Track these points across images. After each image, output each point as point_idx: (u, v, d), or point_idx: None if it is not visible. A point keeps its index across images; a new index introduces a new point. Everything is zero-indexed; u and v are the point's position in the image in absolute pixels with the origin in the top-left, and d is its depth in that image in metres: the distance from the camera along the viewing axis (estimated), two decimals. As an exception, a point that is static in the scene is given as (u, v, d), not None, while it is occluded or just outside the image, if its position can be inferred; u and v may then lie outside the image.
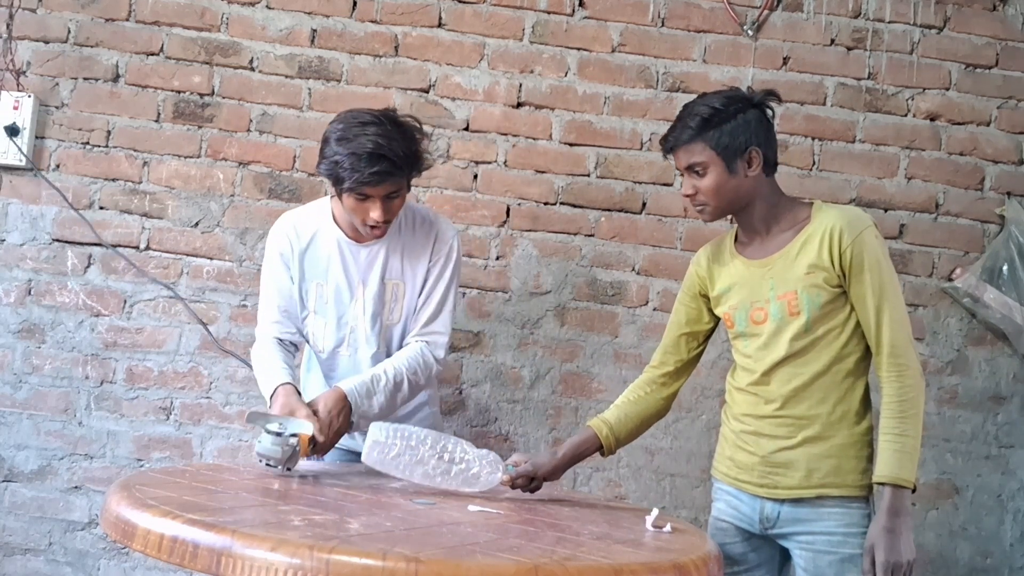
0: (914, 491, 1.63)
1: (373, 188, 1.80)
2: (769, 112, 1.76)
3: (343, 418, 1.80)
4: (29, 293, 2.50)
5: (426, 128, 2.62)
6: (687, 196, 1.76)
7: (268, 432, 1.63)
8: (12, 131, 2.47)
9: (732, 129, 1.69)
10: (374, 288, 1.95)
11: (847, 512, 1.68)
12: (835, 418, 1.69)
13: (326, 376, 2.02)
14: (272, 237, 2.00)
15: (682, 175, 1.77)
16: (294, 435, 1.65)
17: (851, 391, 1.70)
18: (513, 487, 1.73)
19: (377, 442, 1.62)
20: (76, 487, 2.48)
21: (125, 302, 2.51)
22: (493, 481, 1.64)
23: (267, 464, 1.63)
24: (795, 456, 1.69)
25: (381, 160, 1.77)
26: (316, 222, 1.98)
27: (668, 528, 1.49)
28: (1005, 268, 2.53)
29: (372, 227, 1.85)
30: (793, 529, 1.72)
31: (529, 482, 1.75)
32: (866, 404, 1.72)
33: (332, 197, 1.96)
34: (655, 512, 1.53)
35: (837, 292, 1.68)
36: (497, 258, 2.56)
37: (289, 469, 1.65)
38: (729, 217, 1.81)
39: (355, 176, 1.77)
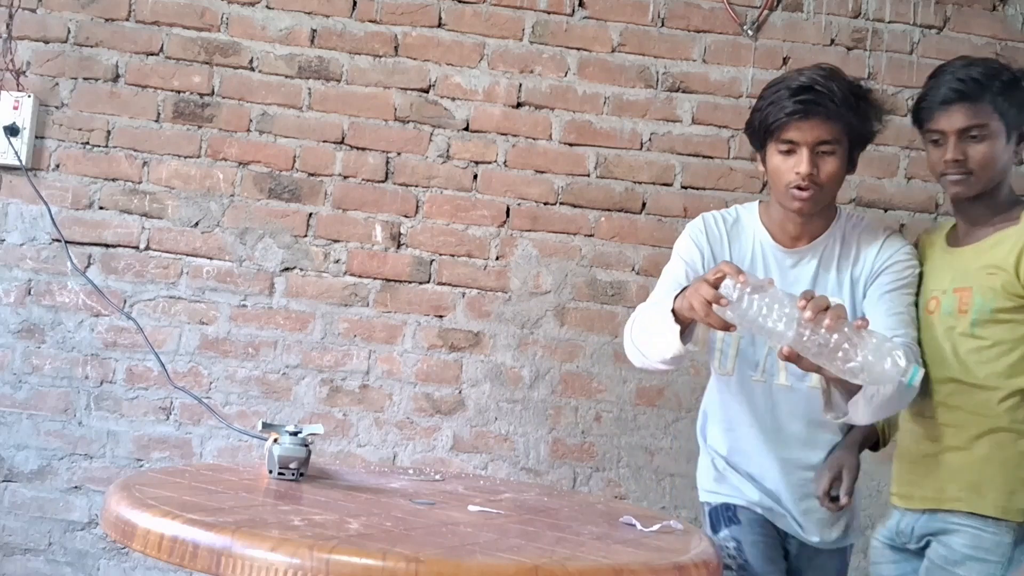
0: None
1: (800, 123, 1.58)
2: None
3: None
4: (29, 293, 2.51)
5: (425, 128, 2.64)
6: (950, 161, 1.57)
7: (288, 434, 1.62)
8: (12, 131, 2.47)
9: (1022, 103, 1.55)
10: None
11: (978, 534, 1.54)
12: (982, 431, 1.55)
13: (723, 407, 1.81)
14: (689, 226, 1.82)
15: (940, 138, 1.59)
16: (311, 435, 1.64)
17: (1014, 410, 1.55)
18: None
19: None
20: (76, 487, 2.48)
21: (125, 302, 2.51)
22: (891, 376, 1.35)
23: (280, 472, 1.61)
24: (934, 465, 1.59)
25: (810, 91, 1.58)
26: (742, 215, 1.79)
27: (656, 528, 1.48)
28: (1005, 268, 2.52)
29: (798, 190, 1.61)
30: (924, 544, 1.62)
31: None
32: None
33: (759, 203, 1.79)
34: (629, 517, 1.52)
35: (1018, 303, 1.53)
36: (497, 258, 2.56)
37: (303, 474, 1.64)
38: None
39: (779, 109, 1.59)
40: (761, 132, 1.64)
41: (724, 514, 1.78)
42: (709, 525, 1.81)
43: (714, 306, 1.39)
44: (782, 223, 1.73)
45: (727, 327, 1.41)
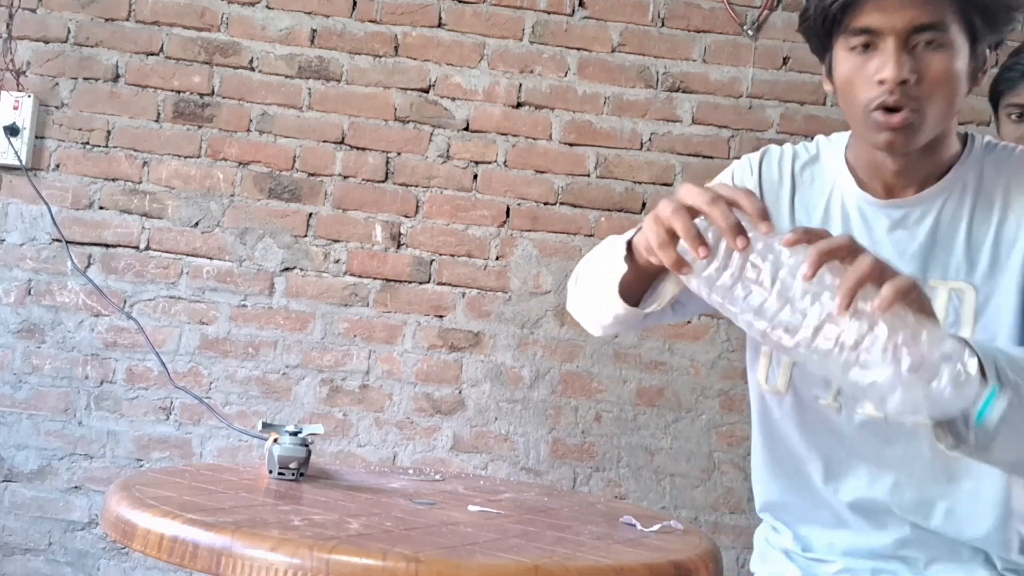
0: None
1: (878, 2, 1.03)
2: None
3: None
4: (29, 293, 2.50)
5: (425, 128, 2.64)
6: None
7: (288, 434, 1.62)
8: (12, 131, 2.47)
9: None
10: None
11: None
12: None
13: (769, 449, 1.24)
14: (742, 160, 1.29)
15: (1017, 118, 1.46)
16: (311, 435, 1.64)
17: None
18: None
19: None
20: (76, 487, 2.48)
21: (125, 302, 2.51)
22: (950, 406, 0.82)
23: (280, 472, 1.61)
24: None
25: None
26: (823, 151, 1.26)
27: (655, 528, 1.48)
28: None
29: (884, 112, 1.05)
30: None
31: None
32: None
33: (849, 137, 1.24)
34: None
35: None
36: (497, 258, 2.56)
37: (303, 474, 1.64)
38: None
39: None
40: (822, 21, 1.08)
41: None
42: None
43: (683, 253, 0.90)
44: (873, 165, 1.15)
45: (697, 240, 0.89)
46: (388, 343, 2.54)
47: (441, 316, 2.55)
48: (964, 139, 1.17)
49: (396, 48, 2.58)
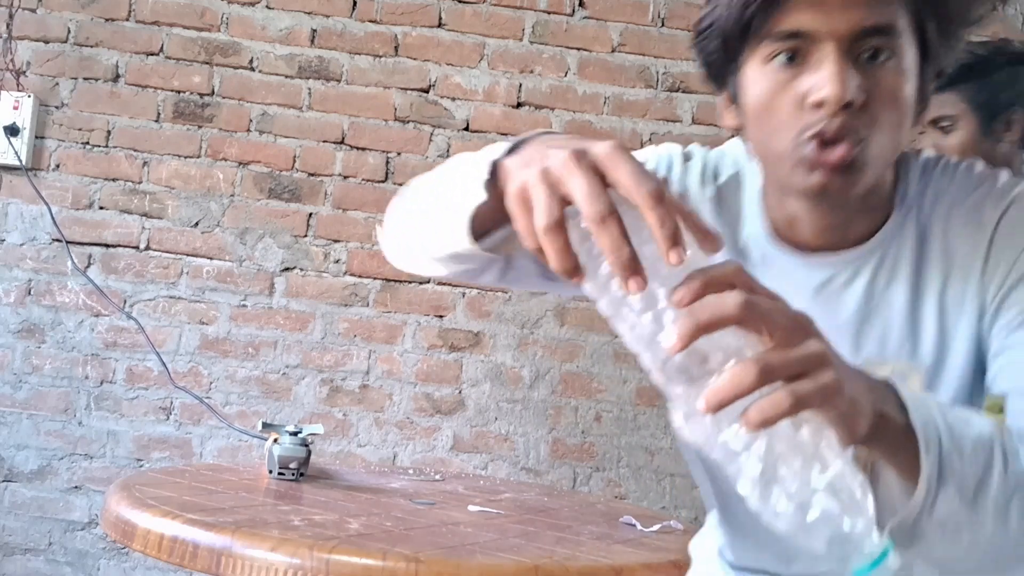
0: None
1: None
2: None
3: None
4: (29, 293, 2.50)
5: (425, 128, 2.64)
6: None
7: (288, 434, 1.62)
8: (12, 131, 2.47)
9: (994, 84, 1.40)
10: None
11: None
12: None
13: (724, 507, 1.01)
14: (663, 154, 1.01)
15: (921, 132, 1.44)
16: (311, 435, 1.64)
17: None
18: None
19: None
20: (76, 487, 2.48)
21: (125, 302, 2.51)
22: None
23: (280, 472, 1.62)
24: None
25: None
26: (747, 176, 0.96)
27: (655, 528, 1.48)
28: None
29: (820, 145, 0.78)
30: None
31: None
32: None
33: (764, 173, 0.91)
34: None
35: None
36: (497, 258, 2.56)
37: (303, 474, 1.64)
38: None
39: None
40: (735, 25, 0.84)
41: None
42: None
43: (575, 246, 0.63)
44: (792, 217, 0.88)
45: (567, 263, 0.63)
46: (388, 343, 2.54)
47: (441, 316, 2.55)
48: (901, 166, 0.89)
49: (396, 48, 2.58)
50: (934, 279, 0.85)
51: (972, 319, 0.84)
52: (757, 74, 0.83)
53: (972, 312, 0.84)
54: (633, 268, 0.60)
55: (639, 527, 1.46)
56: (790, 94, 0.80)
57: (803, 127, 0.79)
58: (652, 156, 1.00)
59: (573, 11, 2.60)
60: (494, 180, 0.74)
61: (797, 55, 0.80)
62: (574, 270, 0.64)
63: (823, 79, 0.77)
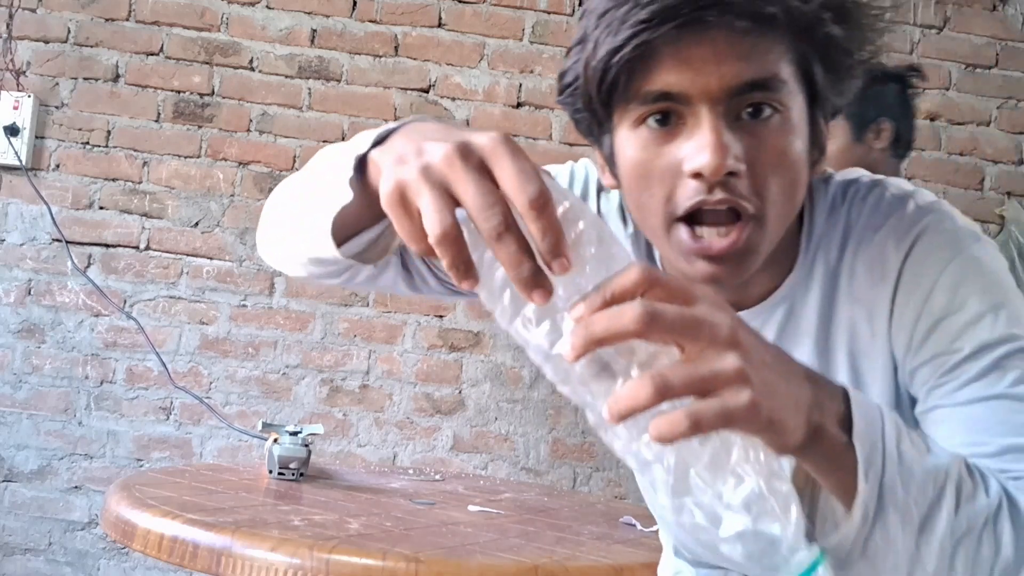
0: None
1: (689, 42, 0.67)
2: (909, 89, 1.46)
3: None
4: (29, 293, 2.50)
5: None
6: None
7: (288, 434, 1.62)
8: (12, 131, 2.47)
9: (864, 98, 1.49)
10: None
11: None
12: None
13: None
14: (580, 171, 0.92)
15: None
16: (311, 435, 1.64)
17: None
18: None
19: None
20: (76, 487, 2.48)
21: (125, 302, 2.51)
22: None
23: (280, 472, 1.62)
24: None
25: None
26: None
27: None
28: (1005, 268, 2.53)
29: (691, 233, 0.72)
30: None
31: None
32: None
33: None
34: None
35: None
36: (497, 258, 2.56)
37: (303, 474, 1.64)
38: None
39: (627, 21, 0.67)
40: (598, 84, 0.71)
41: None
42: None
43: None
44: (686, 274, 0.76)
45: (467, 273, 0.61)
46: (388, 343, 2.54)
47: (441, 316, 2.55)
48: (807, 206, 0.82)
49: (396, 48, 2.58)
50: (842, 332, 0.79)
51: (887, 372, 0.78)
52: (628, 138, 0.73)
53: (885, 365, 0.78)
54: (535, 282, 0.56)
55: (639, 527, 1.46)
56: (664, 160, 0.71)
57: (680, 202, 0.71)
58: (565, 172, 0.92)
59: (573, 11, 2.60)
60: (362, 176, 0.67)
61: (670, 117, 0.71)
62: (475, 280, 0.59)
63: (698, 147, 0.69)
